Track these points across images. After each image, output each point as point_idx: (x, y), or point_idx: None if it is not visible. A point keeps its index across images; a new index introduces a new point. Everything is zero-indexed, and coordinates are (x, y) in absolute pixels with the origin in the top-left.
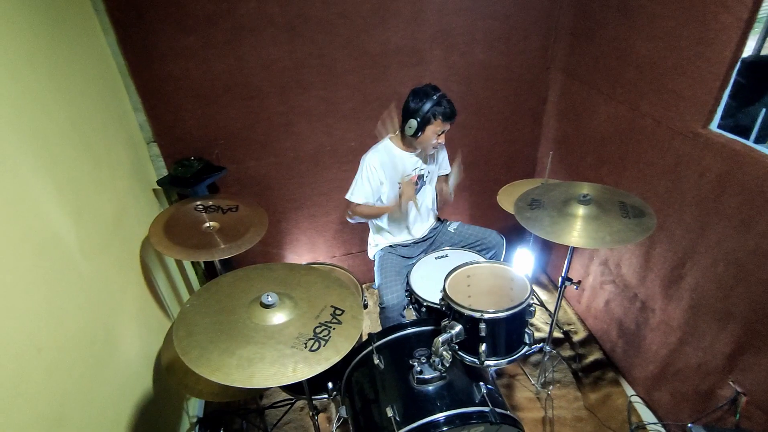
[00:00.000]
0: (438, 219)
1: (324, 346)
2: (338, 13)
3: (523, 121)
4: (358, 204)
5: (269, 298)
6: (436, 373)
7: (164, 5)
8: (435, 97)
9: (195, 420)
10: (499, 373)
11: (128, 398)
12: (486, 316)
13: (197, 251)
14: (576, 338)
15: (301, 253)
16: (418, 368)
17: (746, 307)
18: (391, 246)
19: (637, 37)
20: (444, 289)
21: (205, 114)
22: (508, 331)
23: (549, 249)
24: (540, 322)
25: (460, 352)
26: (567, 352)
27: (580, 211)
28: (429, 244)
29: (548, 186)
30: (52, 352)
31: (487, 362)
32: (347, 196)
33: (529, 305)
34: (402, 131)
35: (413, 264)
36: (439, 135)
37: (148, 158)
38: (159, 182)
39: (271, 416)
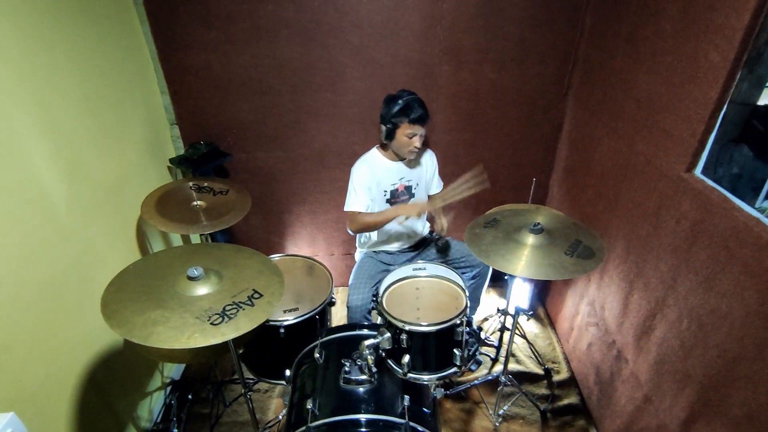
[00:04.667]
0: (430, 232)
1: (226, 322)
2: (350, 21)
3: (535, 146)
4: (360, 212)
5: (194, 272)
6: (364, 376)
7: (193, 1)
8: (401, 101)
9: (169, 381)
10: (464, 396)
11: (91, 347)
12: (407, 327)
13: (178, 224)
14: (556, 377)
15: (301, 246)
16: (348, 368)
17: (701, 372)
18: (375, 251)
19: (639, 69)
20: (381, 297)
21: (221, 104)
22: (435, 347)
23: (547, 282)
24: (522, 354)
25: (389, 361)
26: (543, 390)
27: (529, 239)
28: (414, 254)
29: (516, 211)
30: (12, 285)
31: (410, 375)
32: (346, 208)
33: (456, 326)
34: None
35: (390, 272)
36: (411, 138)
37: (169, 138)
38: (171, 160)
39: (236, 392)
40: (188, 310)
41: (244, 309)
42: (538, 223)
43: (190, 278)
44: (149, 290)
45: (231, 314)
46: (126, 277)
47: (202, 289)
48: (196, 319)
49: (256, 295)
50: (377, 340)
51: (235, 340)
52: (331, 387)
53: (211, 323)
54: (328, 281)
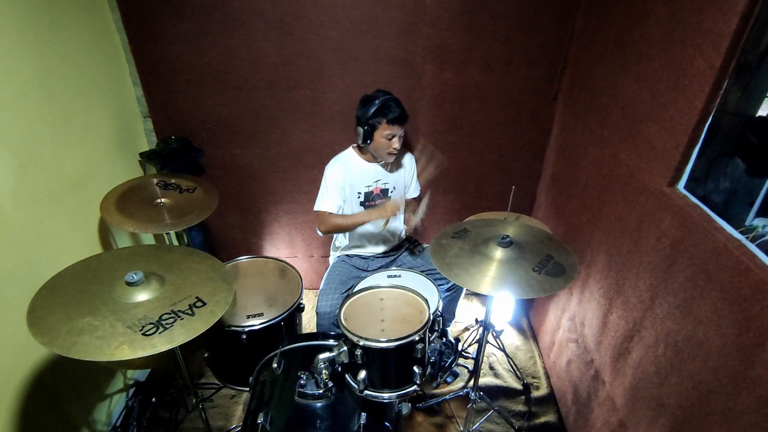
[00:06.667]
0: (407, 239)
1: (160, 333)
2: (329, 16)
3: (522, 152)
4: (331, 213)
5: (133, 276)
6: (319, 391)
7: None
8: (378, 102)
9: (132, 383)
10: (437, 410)
11: (39, 349)
12: (361, 342)
13: (138, 222)
14: (535, 393)
15: (279, 246)
16: (303, 382)
17: (676, 402)
18: (348, 255)
19: (626, 75)
20: (338, 308)
21: (195, 98)
22: (393, 364)
23: None
24: (502, 368)
25: (347, 376)
26: (520, 407)
27: (496, 253)
28: (390, 260)
29: (489, 221)
30: None
31: (367, 392)
32: (316, 208)
33: (415, 342)
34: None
35: (363, 278)
36: (390, 139)
37: (142, 131)
38: (141, 155)
39: (202, 396)
40: (120, 318)
41: (182, 318)
42: (507, 236)
43: (129, 283)
44: (83, 295)
45: (167, 324)
46: (61, 280)
47: (141, 296)
48: (128, 329)
49: (198, 304)
50: (333, 354)
51: (191, 344)
52: (286, 401)
53: (143, 333)
54: (299, 285)
